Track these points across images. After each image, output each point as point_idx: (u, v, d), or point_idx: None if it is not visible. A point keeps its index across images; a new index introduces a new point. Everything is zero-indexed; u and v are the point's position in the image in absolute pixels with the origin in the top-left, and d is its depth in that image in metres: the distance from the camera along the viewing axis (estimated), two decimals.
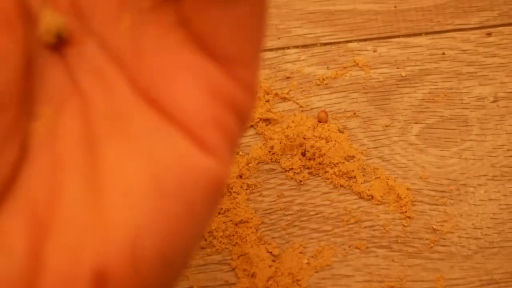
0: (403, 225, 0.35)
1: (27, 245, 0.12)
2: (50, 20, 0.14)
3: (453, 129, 0.37)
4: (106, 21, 0.14)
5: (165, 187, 0.13)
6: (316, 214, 0.35)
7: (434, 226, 0.35)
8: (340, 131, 0.37)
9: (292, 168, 0.36)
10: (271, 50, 0.38)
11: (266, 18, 0.14)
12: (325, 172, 0.36)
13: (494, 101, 0.37)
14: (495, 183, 0.36)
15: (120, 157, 0.13)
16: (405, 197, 0.35)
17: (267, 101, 0.37)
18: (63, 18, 0.14)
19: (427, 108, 0.37)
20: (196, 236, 0.14)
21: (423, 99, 0.37)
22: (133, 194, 0.13)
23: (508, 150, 0.37)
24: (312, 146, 0.36)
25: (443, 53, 0.38)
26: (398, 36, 0.39)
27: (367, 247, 0.35)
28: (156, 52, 0.14)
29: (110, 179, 0.13)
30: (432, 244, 0.35)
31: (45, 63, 0.14)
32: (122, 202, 0.12)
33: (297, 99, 0.37)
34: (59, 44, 0.14)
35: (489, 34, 0.39)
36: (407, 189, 0.36)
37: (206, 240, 0.34)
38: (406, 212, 0.35)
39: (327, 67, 0.38)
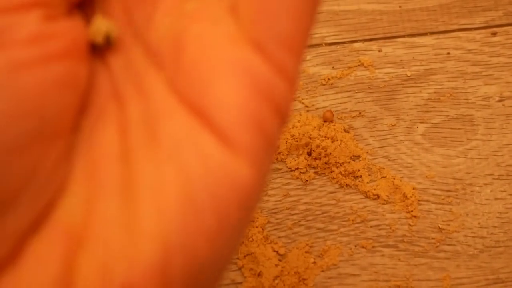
0: (409, 224, 0.35)
1: (61, 264, 0.12)
2: (100, 22, 0.14)
3: (459, 129, 0.37)
4: (150, 27, 0.14)
5: (197, 201, 0.12)
6: (322, 213, 0.36)
7: (440, 225, 0.35)
8: (346, 131, 0.37)
9: (298, 168, 0.36)
10: None
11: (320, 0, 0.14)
12: (331, 172, 0.36)
13: (499, 101, 0.38)
14: (501, 182, 0.36)
15: (154, 168, 0.13)
16: (411, 197, 0.35)
17: None
18: (113, 23, 0.14)
19: (432, 107, 0.37)
20: (228, 250, 0.13)
21: (428, 99, 0.38)
22: (166, 209, 0.12)
23: None
24: (317, 146, 0.36)
25: (448, 53, 0.38)
26: (403, 36, 0.39)
27: (373, 246, 0.35)
28: (196, 48, 0.13)
29: (144, 192, 0.13)
30: (438, 243, 0.35)
31: (92, 73, 0.14)
32: (155, 218, 0.12)
33: (302, 99, 0.38)
34: (107, 47, 0.14)
35: (494, 34, 0.39)
36: (413, 188, 0.36)
37: None
38: (412, 211, 0.35)
39: (332, 67, 0.38)
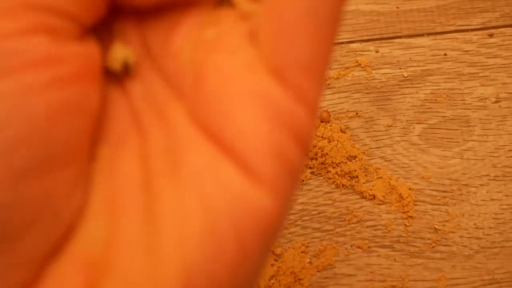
0: (405, 225, 0.35)
1: None
2: (118, 49, 0.14)
3: (455, 130, 0.37)
4: (167, 54, 0.14)
5: (219, 231, 0.12)
6: (318, 213, 0.36)
7: (436, 226, 0.35)
8: (342, 131, 0.37)
9: None
10: None
11: (340, 23, 0.14)
12: (327, 172, 0.36)
13: (496, 102, 0.38)
14: (497, 183, 0.36)
15: (176, 198, 0.13)
16: (407, 197, 0.35)
17: None
18: (131, 50, 0.14)
19: (429, 108, 0.37)
20: (249, 279, 0.13)
21: (425, 100, 0.38)
22: (188, 238, 0.12)
23: (509, 150, 0.37)
24: (314, 146, 0.36)
25: (445, 54, 0.38)
26: (400, 37, 0.39)
27: (369, 247, 0.35)
28: (217, 79, 0.13)
29: (166, 222, 0.13)
30: (434, 244, 0.35)
31: (110, 99, 0.14)
32: (177, 247, 0.12)
33: None
34: (125, 74, 0.14)
35: (491, 35, 0.39)
36: (409, 189, 0.36)
37: None
38: (408, 212, 0.35)
39: (330, 67, 0.38)
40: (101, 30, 0.14)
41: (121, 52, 0.14)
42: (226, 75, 0.13)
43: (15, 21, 0.12)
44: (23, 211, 0.11)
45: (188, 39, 0.14)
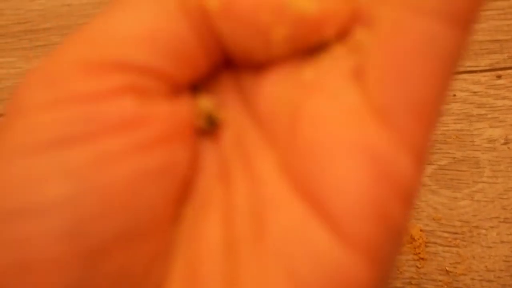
0: (417, 267, 0.36)
1: None
2: (201, 104, 0.13)
3: (465, 171, 0.38)
4: (261, 95, 0.13)
5: None
6: None
7: (447, 268, 0.36)
8: None
9: None
10: None
11: (461, 58, 0.12)
12: None
13: (504, 143, 0.38)
14: (507, 225, 0.37)
15: (259, 266, 0.11)
16: (418, 239, 0.36)
17: None
18: (215, 103, 0.13)
19: (439, 149, 0.38)
20: None
21: (435, 140, 0.38)
22: None
23: None
24: None
25: (454, 95, 0.39)
26: None
27: None
28: (314, 126, 0.12)
29: None
30: (446, 286, 0.35)
31: (198, 154, 0.13)
32: None
33: None
34: (212, 128, 0.13)
35: (499, 77, 0.39)
36: (420, 230, 0.36)
37: None
38: (419, 253, 0.36)
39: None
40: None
41: (205, 107, 0.13)
42: (325, 122, 0.12)
43: (101, 80, 0.11)
44: None
45: (284, 78, 0.13)
